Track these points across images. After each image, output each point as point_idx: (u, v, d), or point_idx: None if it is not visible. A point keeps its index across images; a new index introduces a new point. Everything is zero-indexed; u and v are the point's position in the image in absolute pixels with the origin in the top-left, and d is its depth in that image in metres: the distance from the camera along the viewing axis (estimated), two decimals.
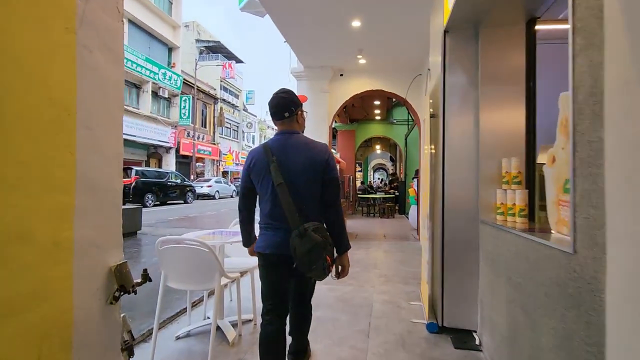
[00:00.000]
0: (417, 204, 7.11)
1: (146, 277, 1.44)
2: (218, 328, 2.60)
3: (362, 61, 6.15)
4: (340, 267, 1.79)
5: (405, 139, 12.55)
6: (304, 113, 1.94)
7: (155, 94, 20.58)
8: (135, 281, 1.38)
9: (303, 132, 1.89)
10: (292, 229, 1.59)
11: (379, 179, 30.46)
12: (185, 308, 2.81)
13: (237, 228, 3.32)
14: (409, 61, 6.18)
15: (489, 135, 2.41)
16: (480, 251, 2.41)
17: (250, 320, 2.80)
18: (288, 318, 1.84)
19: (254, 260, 3.02)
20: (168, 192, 15.70)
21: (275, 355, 1.73)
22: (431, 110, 3.05)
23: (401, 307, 3.14)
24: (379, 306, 3.18)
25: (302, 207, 1.64)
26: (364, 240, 6.84)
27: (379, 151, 18.31)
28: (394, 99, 11.63)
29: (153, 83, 19.80)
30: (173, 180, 16.15)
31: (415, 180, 8.49)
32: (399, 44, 5.47)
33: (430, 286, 2.73)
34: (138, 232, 7.04)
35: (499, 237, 2.07)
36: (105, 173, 1.21)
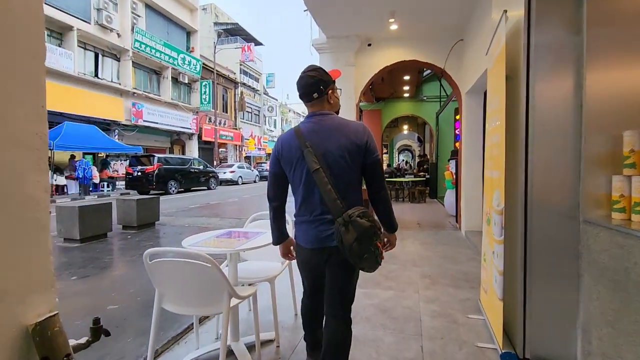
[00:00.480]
0: (457, 189, 6.36)
1: (98, 334, 0.90)
2: (231, 353, 2.10)
3: (394, 26, 5.36)
4: (387, 241, 1.70)
5: (437, 117, 11.60)
6: (337, 91, 1.73)
7: (175, 80, 20.35)
8: (76, 343, 0.85)
9: (338, 112, 1.71)
10: (335, 218, 1.48)
11: (403, 160, 29.37)
12: (193, 324, 2.32)
13: (254, 227, 2.82)
14: (449, 24, 5.33)
15: (599, 101, 1.69)
16: (584, 262, 1.74)
17: (271, 341, 2.28)
18: (321, 334, 1.76)
19: (276, 266, 2.56)
20: (191, 179, 15.56)
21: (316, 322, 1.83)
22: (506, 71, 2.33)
23: (458, 323, 2.53)
24: (429, 321, 2.57)
25: (343, 194, 1.51)
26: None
27: (405, 132, 17.33)
28: (424, 73, 10.68)
29: (172, 69, 19.53)
30: (196, 166, 15.98)
31: (453, 162, 7.68)
32: (437, 3, 4.64)
33: (505, 302, 2.09)
34: (156, 222, 6.72)
35: (628, 247, 1.40)
36: (10, 172, 0.67)
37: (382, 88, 10.39)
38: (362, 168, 1.57)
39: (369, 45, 5.89)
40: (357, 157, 1.53)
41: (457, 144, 11.81)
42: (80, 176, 12.50)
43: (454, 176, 7.52)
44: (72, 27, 13.99)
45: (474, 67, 4.97)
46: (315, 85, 1.58)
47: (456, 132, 11.78)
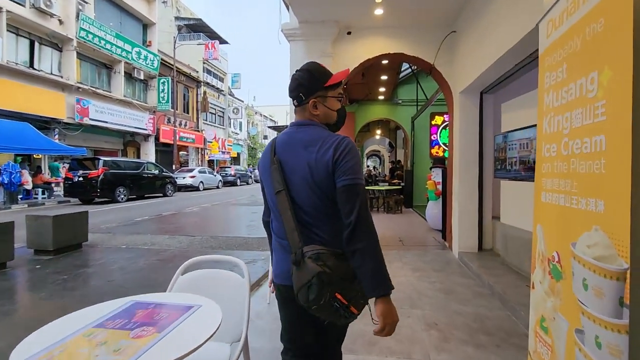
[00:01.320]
0: (445, 201, 5.63)
1: None
2: None
3: (379, 11, 4.53)
4: (379, 319, 1.13)
5: (413, 122, 11.02)
6: (333, 100, 1.33)
7: (129, 76, 18.52)
8: None
9: (335, 126, 1.39)
10: (292, 252, 1.20)
11: (370, 166, 28.98)
12: None
13: (186, 288, 1.76)
14: (440, 13, 4.59)
15: None
16: None
17: None
18: None
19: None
20: (144, 185, 13.97)
21: None
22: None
23: None
24: None
25: (308, 224, 1.23)
26: None
27: (378, 137, 16.75)
28: (400, 75, 10.04)
29: (126, 63, 17.74)
30: (150, 171, 14.39)
31: (437, 170, 6.99)
32: None
33: None
34: (84, 243, 5.40)
35: None
36: None
37: (357, 89, 9.61)
38: (335, 194, 1.21)
39: (349, 33, 5.02)
40: (323, 178, 1.21)
41: (432, 150, 11.32)
42: (6, 181, 10.64)
43: (438, 186, 6.82)
44: (0, 8, 12.05)
45: (470, 64, 4.24)
46: (295, 91, 1.33)
47: (432, 137, 11.29)
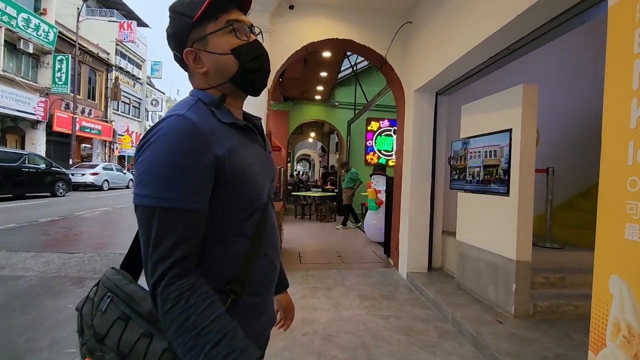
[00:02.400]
0: (390, 213, 5.04)
1: None
2: None
3: None
4: None
5: (349, 126, 10.56)
6: (221, 31, 0.78)
7: (13, 47, 15.06)
8: None
9: (239, 73, 0.79)
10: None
11: (299, 171, 28.41)
12: None
13: None
14: (396, 2, 4.00)
15: None
16: None
17: None
18: None
19: None
20: (25, 182, 11.21)
21: None
22: None
23: None
24: None
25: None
26: (313, 265, 4.53)
27: (311, 140, 16.13)
28: (340, 75, 9.48)
29: (8, 30, 14.35)
30: (34, 164, 11.63)
31: (378, 177, 6.45)
32: None
33: None
34: None
35: None
36: None
37: (294, 85, 8.78)
38: None
39: (291, 7, 4.13)
40: None
41: (367, 157, 10.99)
42: None
43: (378, 195, 6.29)
44: None
45: (429, 60, 3.68)
46: (171, 46, 0.82)
47: (367, 143, 10.97)
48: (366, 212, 7.03)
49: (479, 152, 3.39)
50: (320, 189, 11.33)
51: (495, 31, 2.50)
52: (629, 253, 1.06)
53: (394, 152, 10.78)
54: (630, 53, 1.08)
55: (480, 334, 2.56)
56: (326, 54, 6.96)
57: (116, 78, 22.54)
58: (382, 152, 10.83)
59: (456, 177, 3.80)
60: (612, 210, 1.13)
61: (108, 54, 22.07)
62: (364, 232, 7.04)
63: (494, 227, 3.15)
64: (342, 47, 4.63)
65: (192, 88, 0.83)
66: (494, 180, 3.15)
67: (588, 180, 4.94)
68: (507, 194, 2.98)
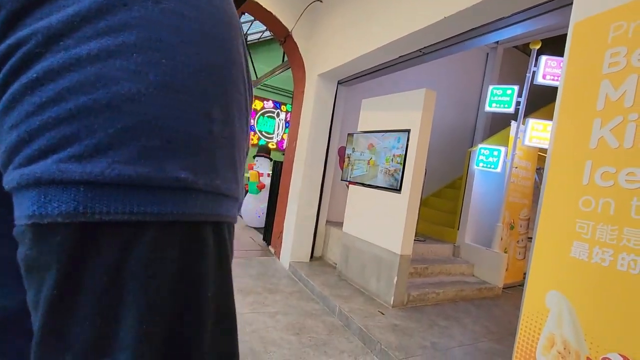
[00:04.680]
0: (275, 199, 4.79)
1: None
2: None
3: None
4: None
5: None
6: None
7: None
8: None
9: None
10: None
11: None
12: None
13: None
14: None
15: None
16: None
17: None
18: None
19: None
20: None
21: None
22: None
23: None
24: None
25: None
26: None
27: None
28: None
29: None
30: None
31: (262, 160, 6.10)
32: None
33: None
34: None
35: None
36: None
37: None
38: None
39: None
40: None
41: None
42: None
43: (261, 178, 5.98)
44: None
45: (340, 47, 3.55)
46: None
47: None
48: (245, 194, 6.62)
49: (375, 147, 3.45)
50: None
51: (415, 31, 2.50)
52: (574, 271, 1.07)
53: (275, 136, 10.58)
54: (598, 73, 1.08)
55: (367, 327, 2.59)
56: None
57: None
58: (264, 133, 10.47)
59: (349, 169, 3.82)
60: (557, 227, 1.14)
61: None
62: (240, 216, 6.63)
63: (382, 222, 3.27)
64: (244, 6, 4.06)
65: None
66: (387, 176, 3.25)
67: (442, 182, 5.79)
68: (399, 191, 3.10)
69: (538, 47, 3.88)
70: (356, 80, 3.95)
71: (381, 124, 3.43)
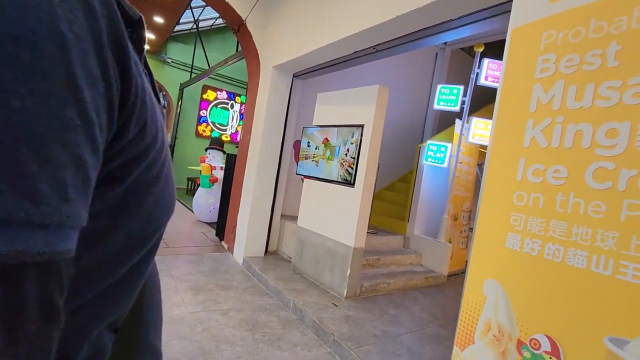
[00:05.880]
0: (227, 193, 4.66)
1: None
2: None
3: None
4: None
5: (182, 90, 9.33)
6: None
7: None
8: None
9: None
10: None
11: None
12: None
13: None
14: None
15: None
16: None
17: None
18: None
19: None
20: None
21: None
22: None
23: None
24: None
25: None
26: None
27: None
28: (178, 27, 8.16)
29: None
30: None
31: (215, 152, 5.89)
32: None
33: None
34: None
35: None
36: None
37: None
38: None
39: None
40: None
41: (199, 128, 10.03)
42: None
43: (213, 172, 5.79)
44: None
45: (296, 39, 3.50)
46: None
47: (200, 113, 9.99)
48: (197, 188, 6.37)
49: (330, 142, 3.48)
50: None
51: (369, 27, 2.53)
52: (508, 260, 1.16)
53: (229, 128, 10.26)
54: (531, 77, 1.16)
55: (321, 320, 2.62)
56: None
57: None
58: (217, 125, 10.11)
59: (304, 163, 3.81)
60: (494, 219, 1.22)
61: None
62: (191, 210, 6.36)
63: (336, 215, 3.32)
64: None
65: None
66: (342, 171, 3.29)
67: (394, 176, 6.00)
68: (352, 185, 3.16)
69: (481, 50, 4.13)
70: (312, 73, 3.93)
71: (336, 119, 3.46)
